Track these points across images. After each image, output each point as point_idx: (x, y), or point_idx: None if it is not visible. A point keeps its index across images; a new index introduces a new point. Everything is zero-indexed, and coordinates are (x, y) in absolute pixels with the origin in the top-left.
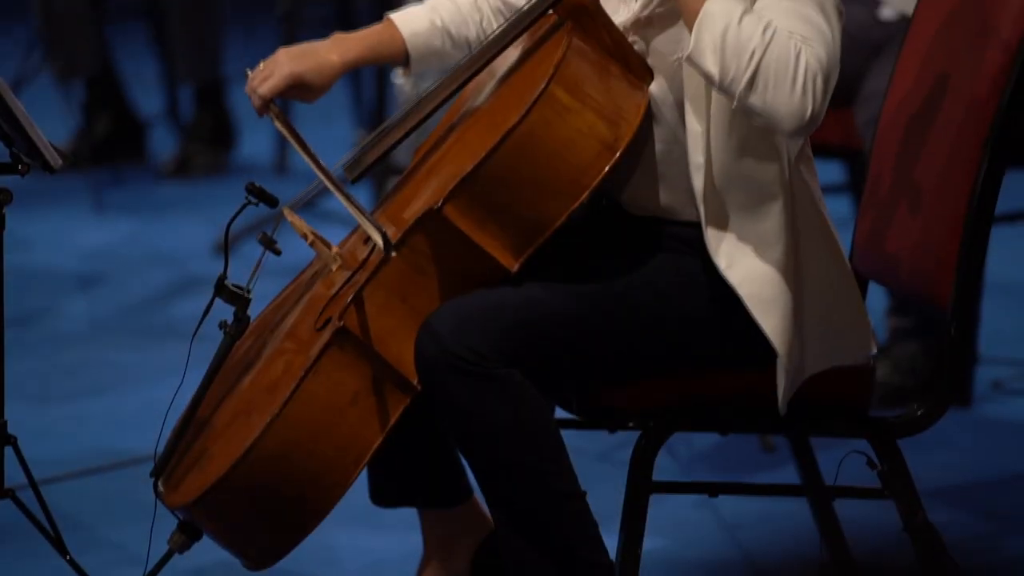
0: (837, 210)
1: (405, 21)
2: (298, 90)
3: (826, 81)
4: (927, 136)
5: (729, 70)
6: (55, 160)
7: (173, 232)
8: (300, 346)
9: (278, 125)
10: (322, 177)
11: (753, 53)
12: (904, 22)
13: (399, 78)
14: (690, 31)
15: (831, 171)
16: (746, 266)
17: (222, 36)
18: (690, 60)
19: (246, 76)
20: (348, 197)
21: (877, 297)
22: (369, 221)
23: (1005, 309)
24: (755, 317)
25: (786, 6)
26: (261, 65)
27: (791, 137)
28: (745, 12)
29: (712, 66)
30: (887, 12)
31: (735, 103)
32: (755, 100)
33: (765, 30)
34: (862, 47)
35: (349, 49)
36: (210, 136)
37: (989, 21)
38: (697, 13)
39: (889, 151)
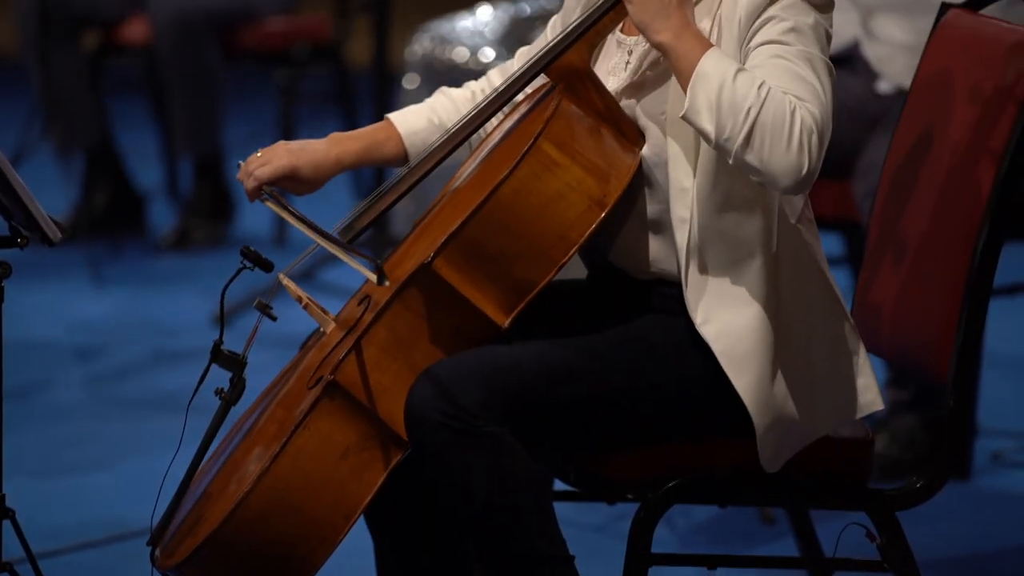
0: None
1: (403, 120)
2: (291, 182)
3: (821, 138)
4: (925, 208)
5: (725, 128)
6: (54, 234)
7: (171, 304)
8: (292, 407)
9: (271, 206)
10: (318, 238)
11: (749, 111)
12: (901, 95)
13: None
14: (684, 91)
15: (830, 243)
16: (722, 321)
17: (222, 109)
18: (685, 119)
19: (238, 167)
20: (343, 247)
21: (875, 369)
22: (363, 261)
23: (1004, 381)
24: (728, 374)
25: (778, 64)
26: (259, 152)
27: (787, 194)
28: (739, 71)
29: (708, 124)
30: (884, 85)
31: (731, 160)
32: (751, 157)
33: (760, 87)
34: (860, 120)
35: (346, 150)
36: (209, 209)
37: (986, 95)
38: (691, 73)
39: (887, 223)
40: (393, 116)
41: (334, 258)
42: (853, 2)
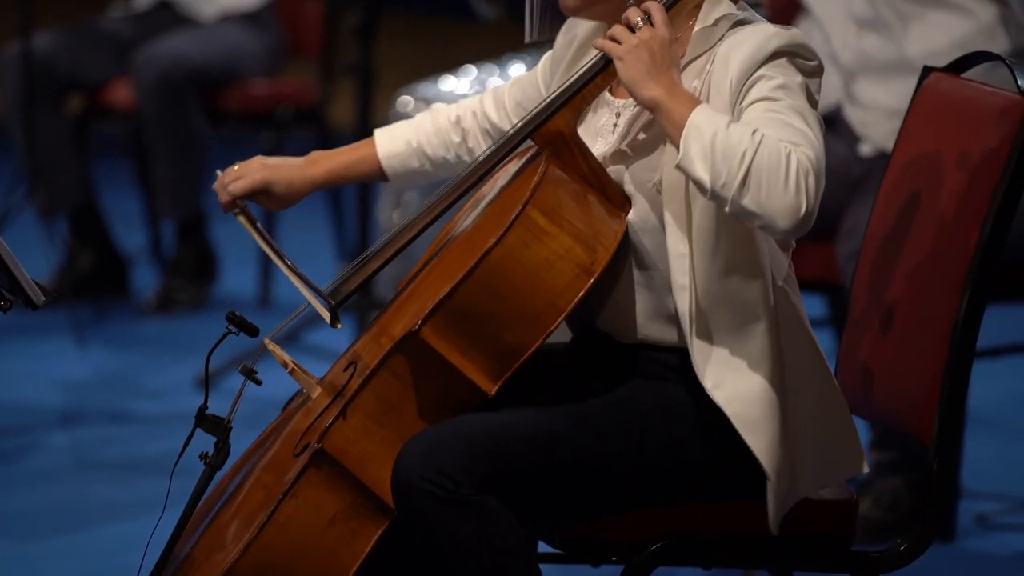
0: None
1: (384, 141)
2: (265, 197)
3: (817, 179)
4: (908, 270)
5: (720, 174)
6: (38, 297)
7: (155, 367)
8: (279, 473)
9: (243, 221)
10: (282, 266)
11: (744, 155)
12: (883, 158)
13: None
14: (676, 146)
15: (813, 305)
16: (733, 386)
17: (205, 172)
18: (679, 168)
19: (216, 176)
20: (299, 275)
21: (859, 430)
22: (320, 300)
23: (989, 443)
24: (744, 437)
25: (769, 117)
26: (236, 166)
27: (787, 237)
28: (731, 120)
29: (703, 172)
30: (866, 148)
31: (728, 207)
32: (748, 202)
33: (754, 133)
34: (842, 182)
35: (321, 169)
36: (192, 271)
37: (968, 158)
38: (682, 126)
39: (870, 285)
40: (378, 133)
41: (320, 320)
42: (835, 66)
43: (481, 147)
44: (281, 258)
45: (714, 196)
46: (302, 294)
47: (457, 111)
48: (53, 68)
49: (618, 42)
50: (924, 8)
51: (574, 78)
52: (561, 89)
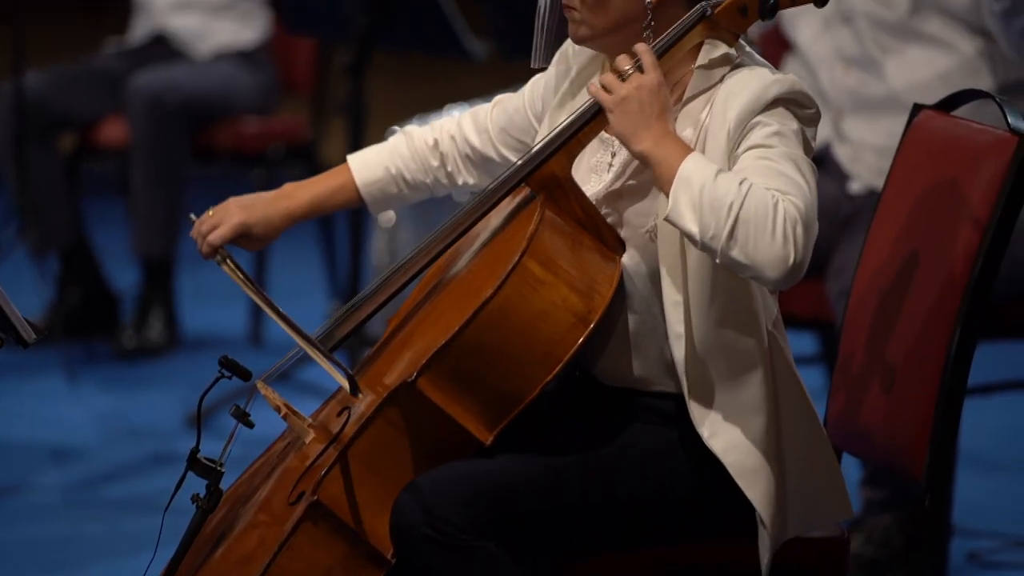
0: (810, 381)
1: (360, 168)
2: (244, 239)
3: (806, 229)
4: (899, 308)
5: (709, 227)
6: (28, 335)
7: (147, 406)
8: (273, 519)
9: (226, 269)
10: (281, 322)
11: (731, 206)
12: (873, 196)
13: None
14: (666, 195)
15: (804, 343)
16: (729, 435)
17: (181, 213)
18: (669, 220)
19: (192, 221)
20: (310, 341)
21: (851, 468)
22: (332, 363)
23: (980, 480)
24: (741, 486)
25: (762, 164)
26: (211, 211)
27: (776, 287)
28: (720, 171)
29: (692, 224)
30: (856, 186)
31: (718, 259)
32: (737, 253)
33: (741, 184)
34: (832, 220)
35: (298, 202)
36: (161, 311)
37: (959, 195)
38: (672, 177)
39: (861, 323)
40: (352, 160)
41: (310, 359)
42: (824, 104)
43: (461, 172)
44: (270, 305)
45: (704, 248)
46: (298, 344)
47: (434, 134)
48: (45, 106)
49: (609, 91)
50: (908, 44)
51: (569, 120)
52: (556, 132)
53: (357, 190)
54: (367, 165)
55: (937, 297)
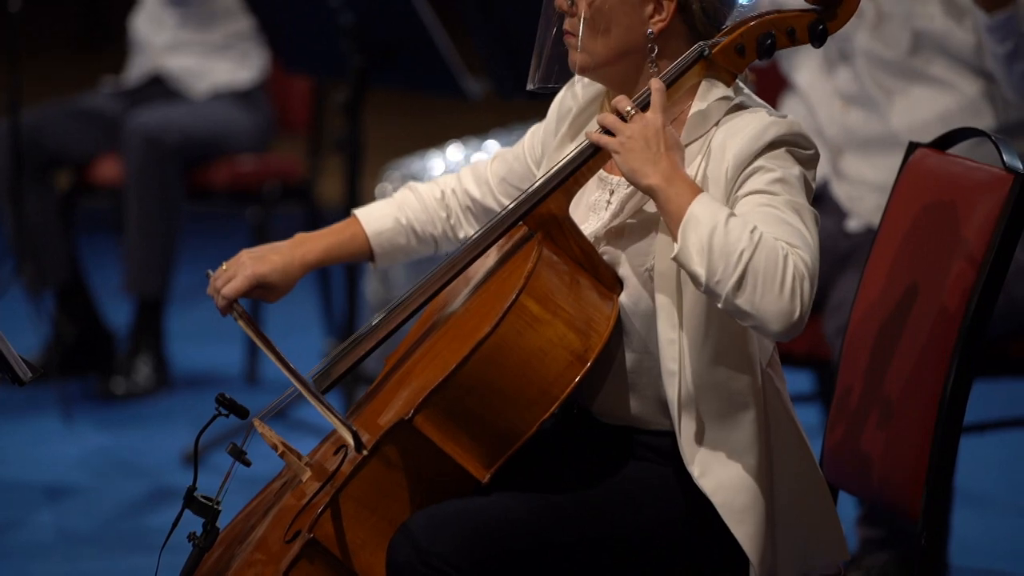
0: (807, 419)
1: (369, 219)
2: (261, 290)
3: (812, 284)
4: (895, 346)
5: (716, 271)
6: (25, 373)
7: (143, 443)
8: (270, 557)
9: (242, 325)
10: (291, 377)
11: (741, 254)
12: (870, 233)
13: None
14: (673, 235)
15: (800, 380)
16: (720, 474)
17: (173, 253)
18: (676, 260)
19: (208, 277)
20: (318, 398)
21: (847, 506)
22: (339, 420)
23: (975, 519)
24: (729, 526)
25: (767, 212)
26: (224, 266)
27: (777, 338)
28: (730, 215)
29: (698, 267)
30: (853, 224)
31: (721, 303)
32: (742, 302)
33: (753, 232)
34: (830, 258)
35: (311, 250)
36: (151, 351)
37: (955, 233)
38: (681, 216)
39: (858, 360)
40: (359, 213)
41: (305, 398)
42: (821, 141)
43: (463, 225)
44: (284, 363)
45: (708, 292)
46: (314, 405)
47: (439, 187)
48: (41, 144)
49: (612, 134)
50: (908, 83)
51: (567, 159)
52: (554, 171)
53: (367, 240)
54: (376, 216)
55: (933, 334)
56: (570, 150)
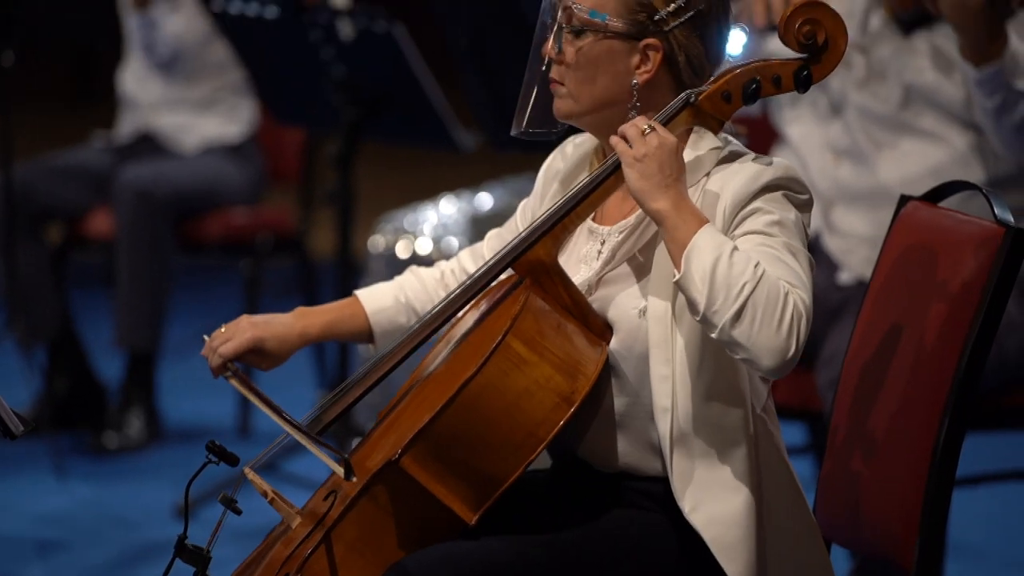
0: (799, 472)
1: (370, 298)
2: (256, 356)
3: (808, 324)
4: (887, 399)
5: (716, 301)
6: (16, 427)
7: (134, 497)
8: None
9: (235, 384)
10: (282, 423)
11: (743, 287)
12: (861, 286)
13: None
14: (675, 262)
15: (793, 433)
16: (711, 509)
17: (165, 307)
18: (678, 284)
19: (204, 340)
20: (308, 435)
21: (840, 559)
22: (330, 450)
23: (968, 572)
24: (720, 562)
25: (765, 252)
26: (223, 328)
27: (768, 375)
28: (735, 248)
29: (699, 294)
30: (845, 276)
31: (716, 333)
32: (738, 334)
33: (756, 266)
34: (822, 310)
35: (312, 324)
36: (142, 405)
37: (946, 286)
38: (686, 242)
39: (850, 414)
40: (360, 293)
41: (299, 448)
42: (814, 195)
43: None
44: (282, 416)
45: (704, 320)
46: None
47: (440, 268)
48: (33, 197)
49: (629, 144)
50: (899, 136)
51: (555, 206)
52: (542, 218)
53: (367, 319)
54: (376, 295)
55: (925, 387)
56: (558, 198)
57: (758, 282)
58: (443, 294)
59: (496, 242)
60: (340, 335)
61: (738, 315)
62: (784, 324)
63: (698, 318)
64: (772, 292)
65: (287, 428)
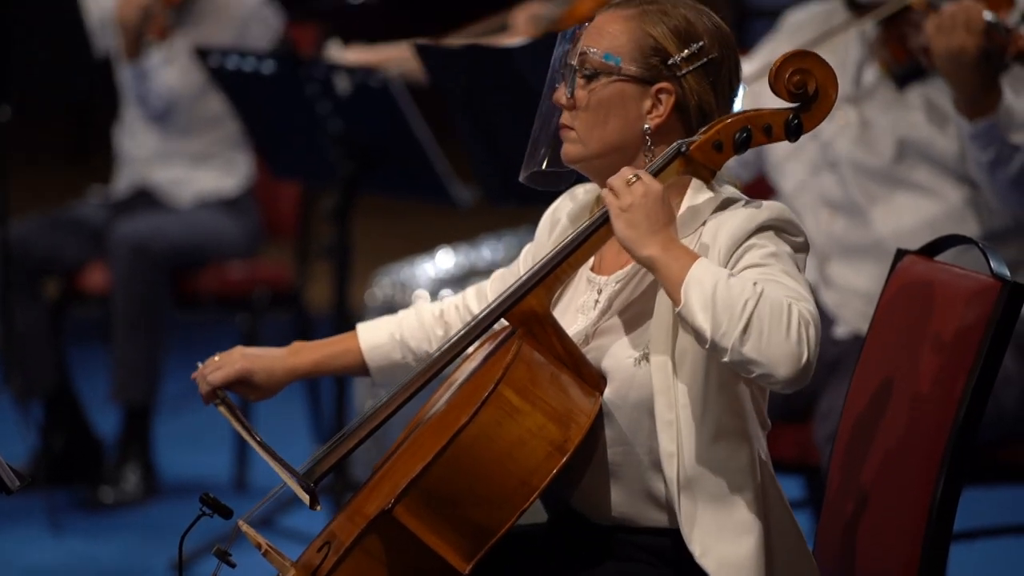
0: None
1: (367, 334)
2: (245, 386)
3: (817, 332)
4: (884, 453)
5: (721, 323)
6: (12, 482)
7: (131, 552)
8: None
9: (223, 412)
10: (260, 450)
11: (746, 304)
12: (858, 340)
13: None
14: (674, 299)
15: (790, 487)
16: (722, 553)
17: (161, 360)
18: (680, 316)
19: (197, 367)
20: (282, 463)
21: None
22: (297, 480)
23: None
24: None
25: (763, 277)
26: (216, 357)
27: (786, 387)
28: (731, 274)
29: (703, 322)
30: (841, 330)
31: (728, 356)
32: (749, 349)
33: (755, 284)
34: (817, 364)
35: (302, 360)
36: (138, 459)
37: (943, 340)
38: (681, 279)
39: (847, 468)
40: (361, 328)
41: (294, 503)
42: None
43: None
44: (263, 447)
45: (713, 346)
46: (278, 476)
47: (440, 306)
48: (29, 253)
49: (616, 195)
50: (893, 190)
51: (548, 257)
52: (535, 268)
53: (362, 355)
54: (373, 331)
55: (922, 441)
56: (551, 249)
57: (759, 297)
58: (440, 333)
59: (499, 284)
60: (332, 371)
61: (745, 331)
62: (792, 330)
63: (707, 346)
64: (775, 304)
65: (269, 459)
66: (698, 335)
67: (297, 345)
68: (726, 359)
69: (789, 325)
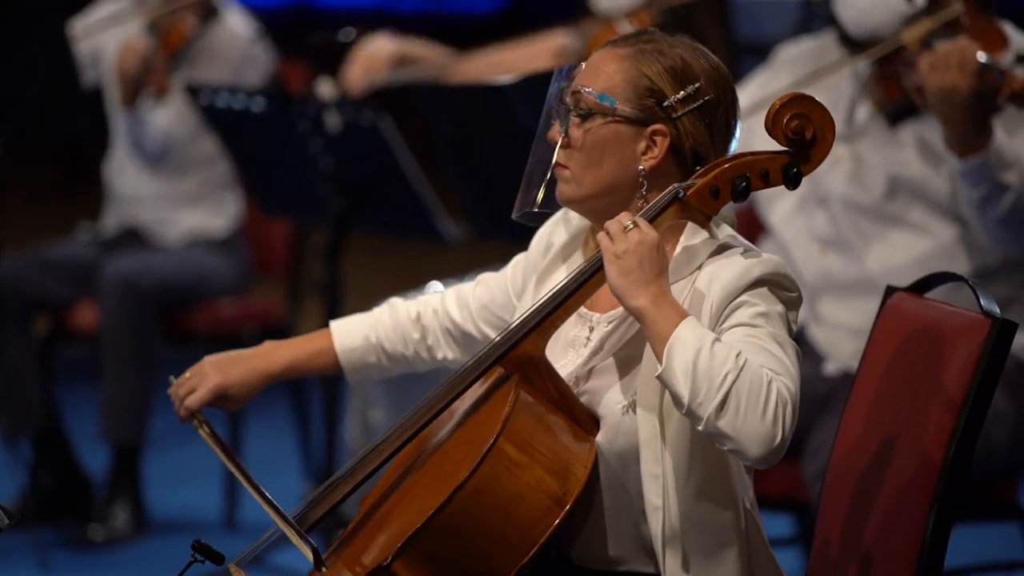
0: (786, 563)
1: (341, 335)
2: (223, 400)
3: (794, 412)
4: (875, 490)
5: (699, 393)
6: (1, 520)
7: None
8: None
9: (203, 434)
10: (254, 493)
11: (726, 377)
12: (848, 377)
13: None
14: (658, 356)
15: (780, 523)
16: None
17: (151, 399)
18: (660, 379)
19: (170, 383)
20: (281, 514)
21: None
22: (301, 538)
23: None
24: None
25: (750, 342)
26: (188, 373)
27: (756, 464)
28: (716, 339)
29: (682, 388)
30: (831, 367)
31: (702, 426)
32: (724, 424)
33: (738, 356)
34: (808, 401)
35: (274, 363)
36: (128, 498)
37: (933, 377)
38: (667, 336)
39: (837, 504)
40: (334, 326)
41: (284, 541)
42: (799, 285)
43: (441, 346)
44: (244, 473)
45: (689, 413)
46: (268, 515)
47: (417, 307)
48: (19, 289)
49: (611, 239)
50: (885, 228)
51: (542, 301)
52: (530, 313)
53: (336, 356)
54: (348, 332)
55: (913, 478)
56: (546, 292)
57: (740, 371)
58: (416, 336)
59: (484, 289)
60: (306, 373)
61: (722, 405)
62: (769, 411)
63: (683, 412)
64: (755, 380)
65: (248, 487)
66: (676, 399)
67: (269, 345)
68: (700, 428)
69: (767, 405)
